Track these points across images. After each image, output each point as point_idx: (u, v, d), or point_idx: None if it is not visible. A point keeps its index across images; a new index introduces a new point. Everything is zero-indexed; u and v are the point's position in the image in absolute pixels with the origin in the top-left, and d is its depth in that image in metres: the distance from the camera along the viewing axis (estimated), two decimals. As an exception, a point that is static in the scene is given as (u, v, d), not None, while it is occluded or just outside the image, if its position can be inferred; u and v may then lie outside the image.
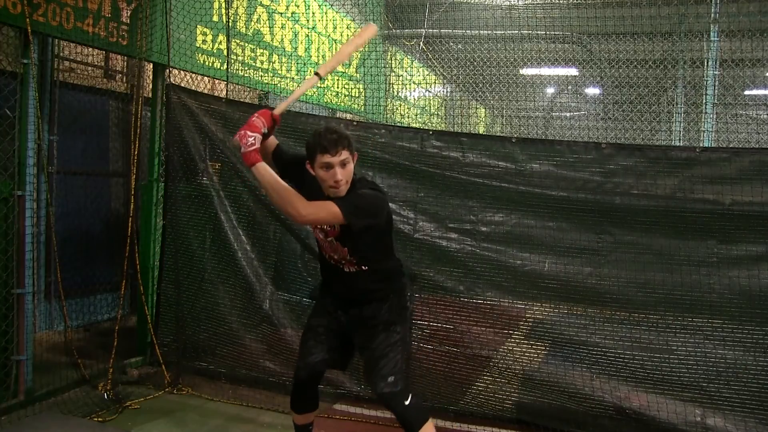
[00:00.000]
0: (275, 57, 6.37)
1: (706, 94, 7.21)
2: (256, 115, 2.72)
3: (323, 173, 2.72)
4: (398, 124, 8.38)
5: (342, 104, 7.79)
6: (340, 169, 2.69)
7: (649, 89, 8.65)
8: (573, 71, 10.67)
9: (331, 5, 7.48)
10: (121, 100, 6.09)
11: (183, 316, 4.68)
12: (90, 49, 5.60)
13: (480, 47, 8.30)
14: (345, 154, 2.69)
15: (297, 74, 6.73)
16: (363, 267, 2.91)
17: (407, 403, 2.87)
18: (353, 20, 7.98)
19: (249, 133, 2.66)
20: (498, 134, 11.64)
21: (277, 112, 2.78)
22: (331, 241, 2.88)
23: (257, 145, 2.66)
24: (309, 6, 6.96)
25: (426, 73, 10.23)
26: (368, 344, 2.94)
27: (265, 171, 2.67)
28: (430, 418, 2.94)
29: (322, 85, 7.34)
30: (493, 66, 8.26)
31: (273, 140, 2.98)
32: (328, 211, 2.68)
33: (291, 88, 6.66)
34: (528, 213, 3.91)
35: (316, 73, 2.91)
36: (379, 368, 2.87)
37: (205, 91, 5.33)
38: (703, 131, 7.20)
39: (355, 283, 2.94)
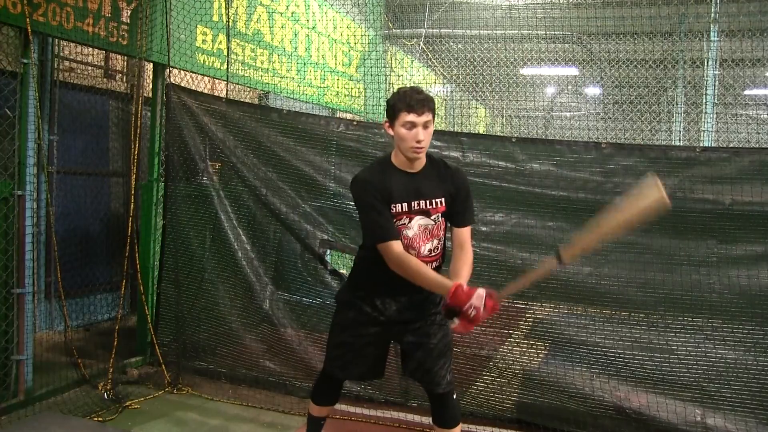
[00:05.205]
0: (275, 57, 6.37)
1: (706, 94, 7.22)
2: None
3: (404, 132, 2.63)
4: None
5: (342, 104, 7.78)
6: (423, 130, 2.63)
7: (649, 89, 8.67)
8: (573, 71, 10.68)
9: (331, 5, 7.48)
10: (121, 100, 6.09)
11: (183, 316, 4.68)
12: (90, 49, 5.60)
13: (480, 47, 8.29)
14: (429, 116, 2.64)
15: (297, 74, 6.73)
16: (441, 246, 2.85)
17: (455, 397, 2.92)
18: (353, 20, 7.97)
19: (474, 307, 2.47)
20: (498, 134, 11.65)
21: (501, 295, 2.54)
22: (435, 218, 2.78)
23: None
24: (309, 6, 6.95)
25: (426, 73, 10.22)
26: (427, 341, 2.84)
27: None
28: None
29: (322, 85, 7.34)
30: (493, 66, 8.25)
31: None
32: None
33: (291, 88, 6.66)
34: (528, 213, 3.90)
35: (558, 256, 2.54)
36: (440, 367, 2.85)
37: (205, 91, 5.33)
38: (703, 131, 7.20)
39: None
